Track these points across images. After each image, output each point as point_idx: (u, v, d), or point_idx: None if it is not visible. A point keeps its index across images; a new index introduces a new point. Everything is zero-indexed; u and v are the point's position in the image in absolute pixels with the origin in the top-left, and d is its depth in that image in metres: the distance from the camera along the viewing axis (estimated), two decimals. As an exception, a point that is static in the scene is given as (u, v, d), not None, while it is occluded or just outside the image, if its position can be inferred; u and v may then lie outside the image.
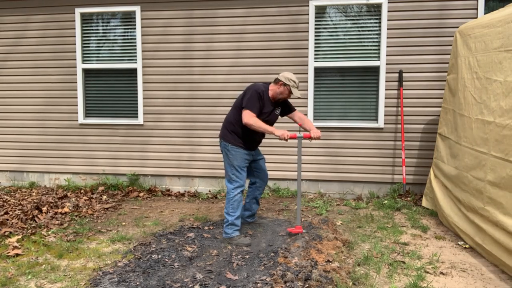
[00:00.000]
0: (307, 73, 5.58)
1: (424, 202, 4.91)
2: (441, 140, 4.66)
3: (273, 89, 3.85)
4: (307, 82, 5.58)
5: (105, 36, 6.08)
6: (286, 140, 3.65)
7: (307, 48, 5.56)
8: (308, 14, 5.54)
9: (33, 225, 4.32)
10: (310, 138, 3.79)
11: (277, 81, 3.84)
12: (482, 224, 3.43)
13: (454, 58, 4.46)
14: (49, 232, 4.12)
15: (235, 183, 3.83)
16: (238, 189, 3.83)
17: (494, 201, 3.29)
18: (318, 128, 5.60)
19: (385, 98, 5.46)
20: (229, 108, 5.59)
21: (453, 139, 4.22)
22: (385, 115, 5.48)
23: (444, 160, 4.45)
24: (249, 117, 3.66)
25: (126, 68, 6.01)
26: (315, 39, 5.58)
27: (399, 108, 5.43)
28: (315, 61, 5.58)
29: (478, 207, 3.52)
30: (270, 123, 3.90)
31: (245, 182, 3.90)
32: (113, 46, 6.06)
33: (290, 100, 5.67)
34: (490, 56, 3.60)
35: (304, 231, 3.93)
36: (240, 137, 3.83)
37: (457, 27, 4.78)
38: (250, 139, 3.87)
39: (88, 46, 6.11)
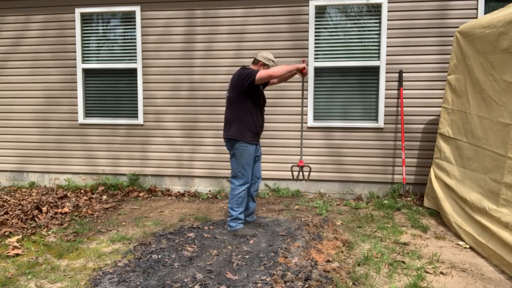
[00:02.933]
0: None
1: (426, 202, 4.91)
2: (444, 141, 4.64)
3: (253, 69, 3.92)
4: (307, 82, 5.58)
5: (105, 36, 6.08)
6: (305, 70, 3.90)
7: (307, 48, 5.56)
8: (308, 14, 5.54)
9: (33, 225, 4.32)
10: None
11: (256, 62, 4.01)
12: (490, 225, 3.43)
13: (457, 59, 4.44)
14: (49, 232, 4.12)
15: (241, 180, 3.94)
16: (243, 186, 3.95)
17: (510, 203, 3.29)
18: (318, 127, 5.62)
19: (385, 98, 5.46)
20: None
21: (467, 140, 4.16)
22: (385, 115, 5.48)
23: (451, 161, 4.41)
24: (268, 70, 3.74)
25: (126, 68, 6.01)
26: (315, 39, 5.58)
27: (399, 108, 5.43)
28: (315, 61, 5.58)
29: (489, 208, 3.51)
30: (263, 100, 4.07)
31: (250, 179, 4.00)
32: (113, 46, 6.06)
33: (288, 98, 5.69)
34: (502, 58, 3.58)
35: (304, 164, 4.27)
36: (247, 130, 3.88)
37: (457, 27, 4.78)
38: (255, 128, 3.93)
39: (88, 46, 6.11)
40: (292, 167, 4.65)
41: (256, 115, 3.93)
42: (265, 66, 3.96)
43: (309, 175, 4.53)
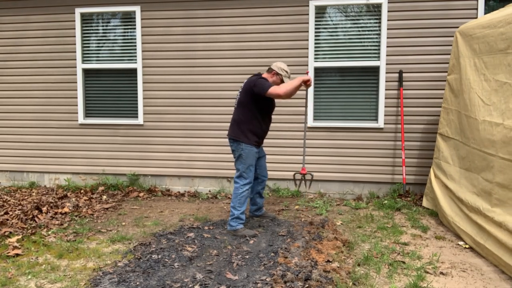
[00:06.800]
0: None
1: (425, 202, 4.91)
2: (443, 141, 4.64)
3: (266, 78, 4.12)
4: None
5: (105, 36, 6.08)
6: (309, 82, 3.98)
7: (307, 48, 5.56)
8: (308, 14, 5.54)
9: (33, 225, 4.32)
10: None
11: (270, 71, 4.15)
12: (486, 225, 3.44)
13: (456, 59, 4.45)
14: (49, 232, 4.12)
15: (245, 180, 4.05)
16: (247, 185, 4.06)
17: (502, 203, 3.30)
18: (318, 128, 5.62)
19: (385, 98, 5.46)
20: (230, 108, 5.63)
21: (461, 140, 4.18)
22: (385, 115, 5.48)
23: (449, 161, 4.42)
24: (277, 88, 3.85)
25: (126, 68, 6.01)
26: (315, 39, 5.58)
27: (399, 108, 5.43)
28: (315, 61, 5.58)
29: (483, 208, 3.52)
30: (272, 106, 4.20)
31: (253, 178, 4.13)
32: (113, 46, 6.06)
33: (290, 100, 5.69)
34: (497, 58, 3.58)
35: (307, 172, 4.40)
36: (252, 133, 4.03)
37: (457, 27, 4.78)
38: (261, 132, 4.11)
39: (88, 46, 6.11)
40: (294, 174, 4.70)
41: (263, 120, 4.08)
42: (278, 75, 4.09)
43: (310, 183, 4.60)
